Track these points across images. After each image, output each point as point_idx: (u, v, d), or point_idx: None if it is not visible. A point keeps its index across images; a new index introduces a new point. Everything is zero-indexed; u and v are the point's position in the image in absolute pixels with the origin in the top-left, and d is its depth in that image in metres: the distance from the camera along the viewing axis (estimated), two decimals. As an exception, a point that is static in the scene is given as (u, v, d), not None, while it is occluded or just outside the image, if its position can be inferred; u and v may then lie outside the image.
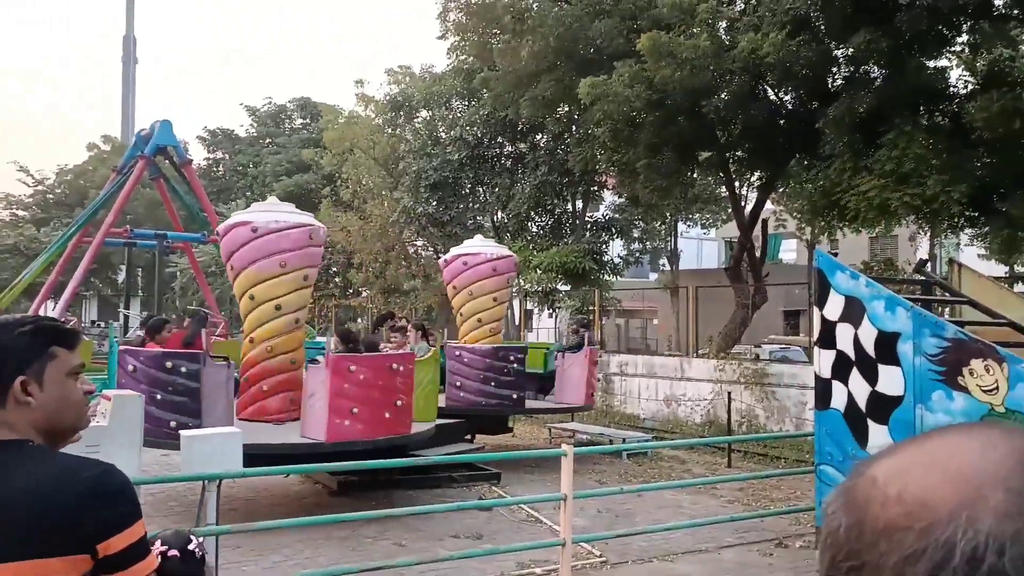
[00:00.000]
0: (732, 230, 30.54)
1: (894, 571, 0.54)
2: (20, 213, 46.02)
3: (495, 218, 26.15)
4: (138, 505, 1.76)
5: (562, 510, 6.65)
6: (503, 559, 7.10)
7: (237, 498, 9.33)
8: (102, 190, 22.13)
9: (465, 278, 12.96)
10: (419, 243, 31.43)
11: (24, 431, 1.75)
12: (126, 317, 22.36)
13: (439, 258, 29.67)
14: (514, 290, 26.14)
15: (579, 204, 25.58)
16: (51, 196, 46.14)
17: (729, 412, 13.85)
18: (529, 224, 25.00)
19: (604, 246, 25.41)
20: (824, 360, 6.62)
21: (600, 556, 7.44)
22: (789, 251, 39.13)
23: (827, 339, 6.58)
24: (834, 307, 6.51)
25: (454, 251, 13.50)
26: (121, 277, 40.76)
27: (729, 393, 14.27)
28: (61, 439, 1.84)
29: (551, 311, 25.24)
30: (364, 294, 34.89)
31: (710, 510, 9.35)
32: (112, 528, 1.68)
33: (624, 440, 13.19)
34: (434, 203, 25.43)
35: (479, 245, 13.53)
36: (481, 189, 26.35)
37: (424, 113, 27.80)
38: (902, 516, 0.55)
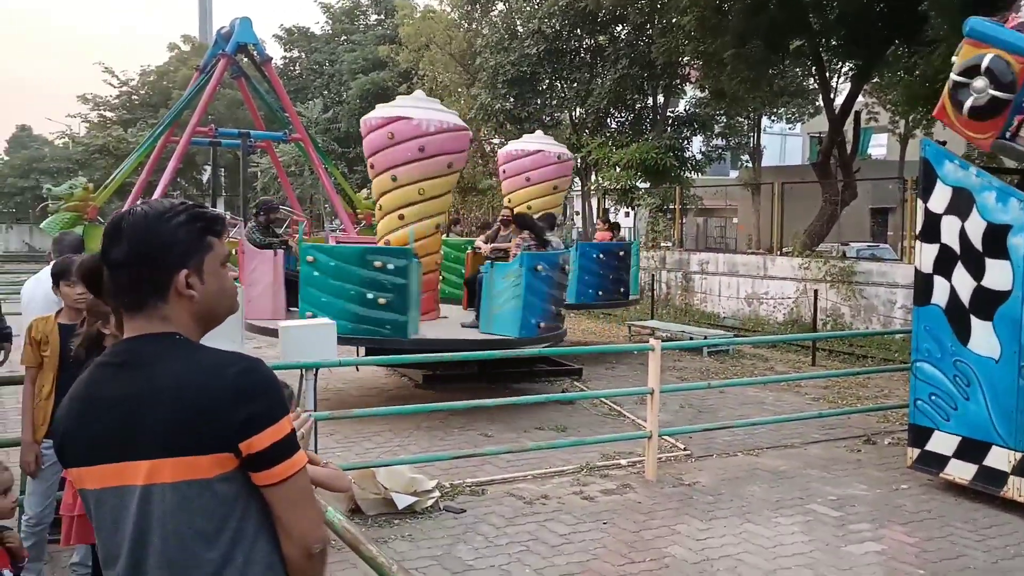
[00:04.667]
0: (818, 124, 29.35)
1: None
2: (107, 114, 47.09)
3: (573, 114, 25.63)
4: (283, 402, 1.71)
5: (649, 403, 6.68)
6: (587, 450, 7.23)
7: (328, 389, 9.65)
8: (185, 90, 22.40)
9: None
10: (496, 141, 31.12)
11: (180, 323, 1.73)
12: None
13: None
14: (592, 187, 25.86)
15: (660, 99, 24.84)
16: (136, 97, 46.97)
17: (815, 310, 13.59)
18: (608, 120, 24.46)
19: (685, 142, 24.74)
20: (926, 254, 6.35)
21: (684, 449, 7.50)
22: (879, 146, 37.52)
23: (930, 232, 6.30)
24: (940, 199, 6.20)
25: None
26: (206, 176, 41.69)
27: (815, 291, 13.97)
28: (213, 325, 1.84)
29: (629, 209, 24.88)
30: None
31: (794, 407, 9.29)
32: (254, 426, 1.63)
33: (705, 338, 13.10)
34: (511, 99, 25.00)
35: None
36: (559, 84, 25.77)
37: (501, 6, 27.06)
38: None
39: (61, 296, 4.24)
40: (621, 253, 13.27)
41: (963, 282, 6.08)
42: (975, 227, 5.96)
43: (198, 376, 1.64)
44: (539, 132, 14.85)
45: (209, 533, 1.64)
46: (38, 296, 5.04)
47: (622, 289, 13.20)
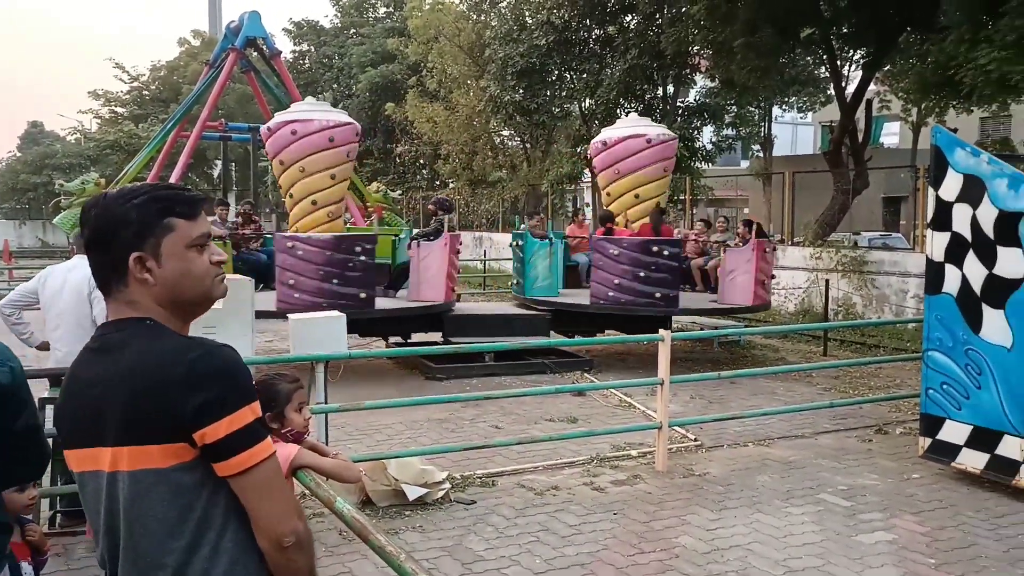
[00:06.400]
0: (830, 113, 29.18)
1: None
2: (119, 110, 47.29)
3: (583, 105, 25.56)
4: (244, 391, 1.61)
5: (659, 394, 6.68)
6: (598, 441, 7.24)
7: (339, 381, 9.67)
8: (195, 85, 22.45)
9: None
10: (505, 133, 31.10)
11: (148, 308, 1.67)
12: (228, 207, 23.03)
13: (525, 148, 29.52)
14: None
15: (670, 89, 24.74)
16: (147, 92, 47.17)
17: (826, 300, 13.53)
18: (618, 111, 24.33)
19: (695, 132, 24.66)
20: (937, 243, 6.31)
21: (695, 440, 7.49)
22: (891, 135, 37.33)
23: (941, 221, 6.26)
24: (951, 186, 6.16)
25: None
26: (217, 171, 41.83)
27: (827, 281, 13.91)
28: (192, 311, 1.75)
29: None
30: (451, 185, 34.98)
31: (806, 397, 9.26)
32: (208, 415, 1.55)
33: (716, 328, 13.07)
34: (521, 91, 24.95)
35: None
36: (569, 75, 25.70)
37: (509, -4, 27.03)
38: None
39: None
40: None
41: (975, 270, 6.04)
42: (987, 215, 5.92)
43: (154, 363, 1.58)
44: (633, 115, 13.90)
45: (172, 521, 1.59)
46: (69, 286, 5.13)
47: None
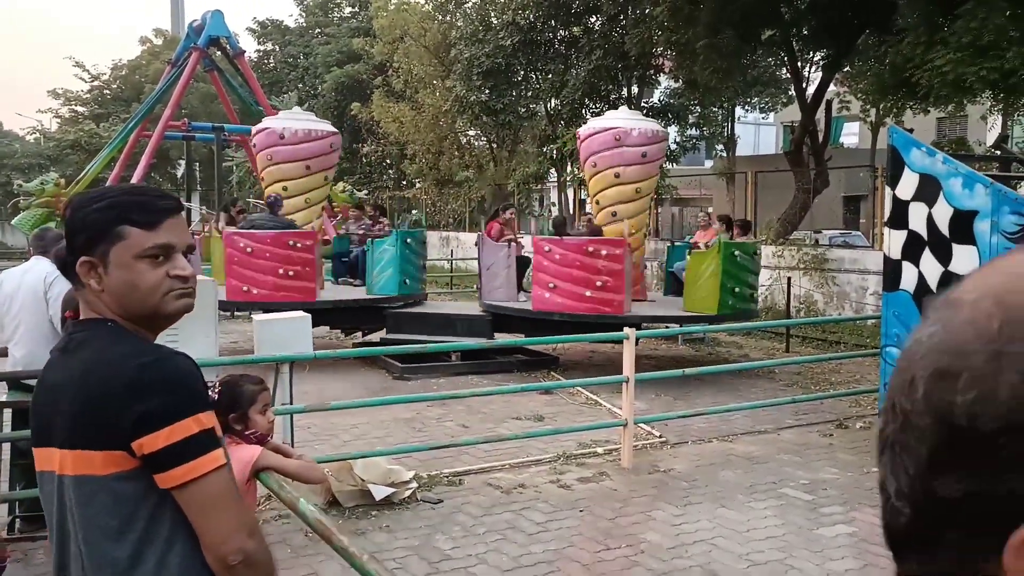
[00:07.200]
0: (792, 114, 29.54)
1: None
2: (79, 109, 46.47)
3: (548, 105, 25.64)
4: (189, 401, 1.56)
5: (624, 391, 6.74)
6: (564, 439, 7.28)
7: (305, 382, 9.63)
8: (157, 84, 22.19)
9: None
10: (472, 133, 31.08)
11: (104, 312, 1.65)
12: (188, 210, 22.80)
13: (492, 148, 29.55)
14: (568, 178, 25.89)
15: (634, 89, 24.89)
16: (108, 92, 46.37)
17: (788, 297, 13.72)
18: (583, 111, 24.45)
19: (660, 132, 24.81)
20: (894, 241, 6.45)
21: (660, 437, 7.57)
22: (850, 135, 37.84)
23: (899, 219, 6.39)
24: (907, 186, 6.29)
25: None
26: (180, 171, 41.27)
27: (789, 278, 14.10)
28: (149, 324, 1.69)
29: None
30: (418, 185, 34.88)
31: (768, 393, 9.39)
32: (146, 426, 1.51)
33: (680, 325, 13.17)
34: (487, 91, 24.93)
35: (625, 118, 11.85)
36: (534, 75, 25.75)
37: (475, -3, 27.02)
38: None
39: None
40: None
41: (931, 268, 6.18)
42: (942, 213, 6.06)
43: (104, 367, 1.56)
44: (623, 109, 13.19)
45: (113, 530, 1.56)
46: (24, 287, 5.07)
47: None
